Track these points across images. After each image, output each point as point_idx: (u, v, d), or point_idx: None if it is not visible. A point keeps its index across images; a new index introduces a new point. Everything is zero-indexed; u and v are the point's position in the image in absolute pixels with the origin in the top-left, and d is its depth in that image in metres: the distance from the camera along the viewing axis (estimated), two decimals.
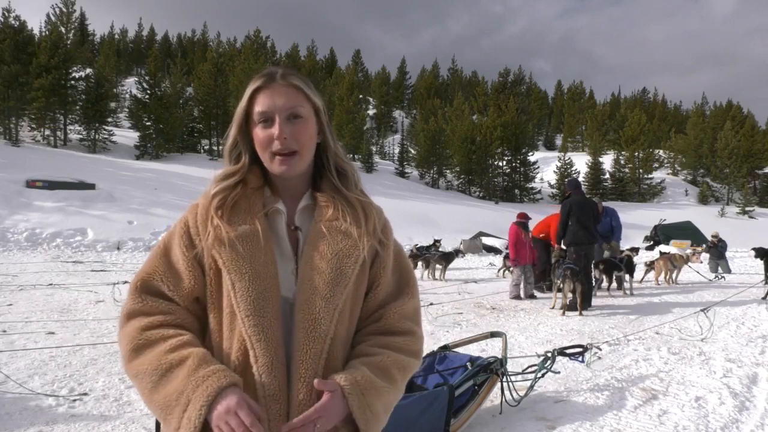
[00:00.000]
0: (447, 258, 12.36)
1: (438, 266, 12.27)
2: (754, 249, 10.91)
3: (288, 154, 1.16)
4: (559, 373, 4.52)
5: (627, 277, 10.30)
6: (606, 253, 10.30)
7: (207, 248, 1.14)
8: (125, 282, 9.07)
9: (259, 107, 1.17)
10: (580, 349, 4.39)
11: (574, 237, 8.29)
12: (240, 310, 1.09)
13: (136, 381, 1.09)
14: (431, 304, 7.30)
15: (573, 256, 8.25)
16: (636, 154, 52.64)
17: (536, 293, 9.54)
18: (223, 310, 1.13)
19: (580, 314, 7.55)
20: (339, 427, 1.10)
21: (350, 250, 1.17)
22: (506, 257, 12.40)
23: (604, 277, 9.75)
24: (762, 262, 10.46)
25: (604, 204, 10.60)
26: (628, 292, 9.98)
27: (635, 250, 11.68)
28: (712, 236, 15.80)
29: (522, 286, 9.22)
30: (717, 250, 14.92)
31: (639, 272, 11.81)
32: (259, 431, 1.00)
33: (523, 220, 9.62)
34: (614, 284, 10.24)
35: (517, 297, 9.06)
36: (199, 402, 1.01)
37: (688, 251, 14.12)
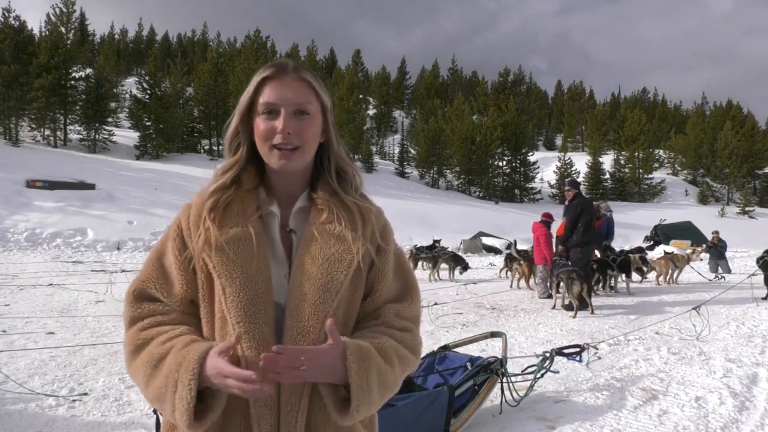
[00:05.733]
0: (456, 260, 12.32)
1: (445, 265, 12.24)
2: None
3: (289, 149, 1.13)
4: (558, 372, 4.52)
5: (623, 276, 10.34)
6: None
7: (197, 251, 1.11)
8: (123, 270, 9.04)
9: (265, 97, 1.13)
10: (577, 349, 4.40)
11: (582, 237, 8.32)
12: (231, 315, 1.07)
13: (136, 380, 1.10)
14: (435, 303, 7.30)
15: (578, 255, 8.26)
16: (636, 154, 52.59)
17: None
18: (215, 315, 1.12)
19: (575, 316, 7.58)
20: (326, 395, 1.08)
21: (342, 254, 1.13)
22: (507, 257, 12.39)
23: (599, 276, 9.78)
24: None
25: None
26: (612, 291, 10.05)
27: (641, 251, 11.66)
28: (713, 233, 15.82)
29: (543, 285, 9.24)
30: (717, 250, 14.93)
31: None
32: (248, 374, 0.97)
33: (547, 220, 9.63)
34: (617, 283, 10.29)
35: (550, 296, 9.04)
36: (186, 378, 1.00)
37: (689, 251, 14.11)
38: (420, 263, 12.75)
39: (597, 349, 5.43)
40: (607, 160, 53.33)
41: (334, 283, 1.11)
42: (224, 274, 1.08)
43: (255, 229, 1.12)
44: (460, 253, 16.86)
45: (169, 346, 1.07)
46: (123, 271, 8.97)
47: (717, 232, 15.76)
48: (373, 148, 54.07)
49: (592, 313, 7.75)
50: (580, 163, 51.15)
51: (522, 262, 10.48)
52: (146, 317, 1.14)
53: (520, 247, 12.36)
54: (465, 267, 12.27)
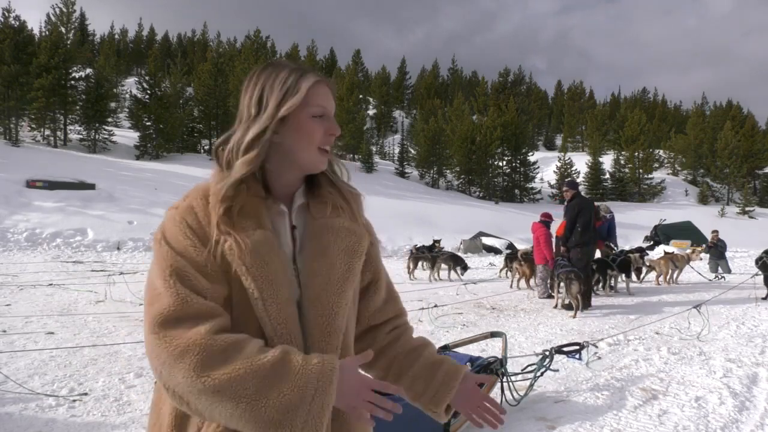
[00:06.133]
0: (456, 260, 12.33)
1: (444, 266, 12.26)
2: None
3: (327, 150, 1.20)
4: (557, 371, 4.52)
5: (623, 276, 10.34)
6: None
7: (225, 254, 1.06)
8: (121, 273, 9.03)
9: (320, 101, 1.17)
10: (577, 347, 4.40)
11: (581, 237, 8.33)
12: (271, 318, 1.05)
13: (227, 391, 0.94)
14: (435, 305, 7.30)
15: (578, 256, 8.27)
16: (636, 154, 52.56)
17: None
18: (237, 319, 1.08)
19: (574, 316, 7.58)
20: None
21: (355, 246, 1.19)
22: (507, 257, 12.40)
23: (599, 276, 9.78)
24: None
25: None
26: (612, 291, 10.06)
27: (641, 250, 11.65)
28: (713, 232, 15.84)
29: (543, 285, 9.27)
30: (717, 250, 14.92)
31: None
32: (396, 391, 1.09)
33: (547, 220, 9.65)
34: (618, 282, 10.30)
35: (549, 296, 9.04)
36: (330, 388, 0.97)
37: (688, 251, 14.11)
38: (420, 263, 12.75)
39: (597, 347, 5.43)
40: (607, 160, 53.29)
41: (352, 273, 1.17)
42: (260, 277, 1.06)
43: (272, 229, 1.14)
44: (459, 253, 16.89)
45: (281, 353, 0.98)
46: (122, 273, 8.95)
47: (716, 232, 15.77)
48: (373, 148, 54.02)
49: (582, 311, 7.74)
50: (580, 163, 51.14)
51: (523, 262, 10.48)
52: (205, 317, 1.00)
53: (520, 247, 12.37)
54: (464, 267, 12.29)
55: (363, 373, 1.04)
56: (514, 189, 49.85)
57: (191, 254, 1.06)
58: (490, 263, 16.50)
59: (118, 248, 15.99)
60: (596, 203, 10.15)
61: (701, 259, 14.41)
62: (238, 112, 1.19)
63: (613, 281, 10.27)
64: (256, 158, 1.13)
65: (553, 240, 9.41)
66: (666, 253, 13.12)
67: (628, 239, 23.99)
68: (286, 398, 0.94)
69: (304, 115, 1.15)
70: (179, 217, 1.11)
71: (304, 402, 0.95)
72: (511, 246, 19.29)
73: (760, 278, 10.04)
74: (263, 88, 1.16)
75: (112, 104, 42.25)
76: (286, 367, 0.97)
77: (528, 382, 4.08)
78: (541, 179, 50.17)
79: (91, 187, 21.49)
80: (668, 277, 11.58)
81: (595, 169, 51.32)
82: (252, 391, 0.94)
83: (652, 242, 22.85)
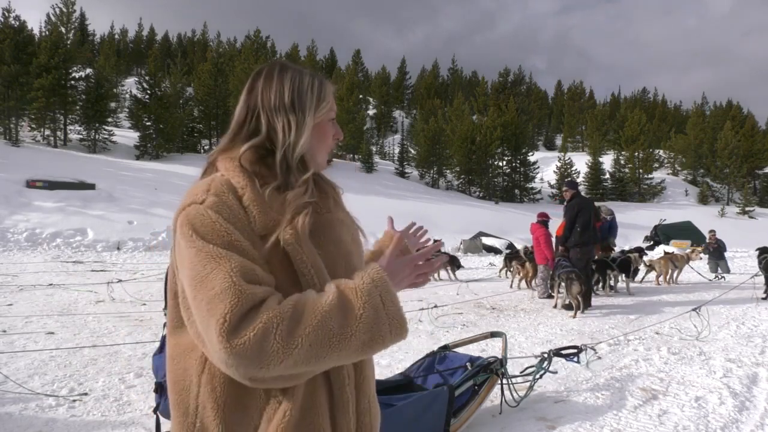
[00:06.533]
0: (452, 260, 12.40)
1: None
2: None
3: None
4: (556, 373, 4.52)
5: (623, 276, 10.34)
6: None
7: (287, 245, 1.07)
8: (119, 281, 9.03)
9: (335, 105, 1.26)
10: (575, 350, 4.40)
11: (581, 237, 8.33)
12: None
13: (318, 341, 0.97)
14: (435, 306, 7.30)
15: (578, 256, 8.27)
16: (636, 154, 52.61)
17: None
18: None
19: (575, 316, 7.58)
20: None
21: (358, 237, 1.26)
22: (507, 257, 12.42)
23: (599, 276, 9.78)
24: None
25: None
26: (612, 292, 10.06)
27: (640, 250, 11.67)
28: (710, 232, 15.84)
29: (543, 285, 9.28)
30: (718, 250, 14.93)
31: (640, 273, 11.83)
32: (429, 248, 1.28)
33: (544, 219, 9.65)
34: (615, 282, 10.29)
35: (549, 296, 9.04)
36: (389, 288, 1.06)
37: (688, 250, 14.11)
38: None
39: (595, 350, 5.43)
40: (607, 160, 53.33)
41: (362, 260, 1.25)
42: (320, 265, 1.12)
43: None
44: (459, 254, 16.89)
45: (334, 290, 1.02)
46: (120, 281, 8.93)
47: (713, 232, 15.76)
48: (373, 148, 54.07)
49: (582, 311, 7.74)
50: (580, 163, 51.16)
51: (527, 263, 10.47)
52: (267, 296, 1.00)
53: (519, 247, 12.40)
54: (458, 266, 12.43)
55: (400, 257, 1.18)
56: (514, 189, 49.87)
57: (240, 249, 1.03)
58: (490, 263, 16.50)
59: (118, 248, 15.99)
60: (597, 204, 10.15)
61: (701, 258, 14.41)
62: (251, 111, 1.18)
63: (613, 281, 10.27)
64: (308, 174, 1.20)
65: (553, 240, 9.41)
66: (666, 253, 13.12)
67: (628, 239, 23.99)
68: (364, 316, 1.00)
69: (325, 119, 1.23)
70: (213, 214, 1.05)
71: (378, 310, 1.02)
72: (511, 246, 19.30)
73: (760, 278, 10.04)
74: (293, 93, 1.16)
75: (112, 104, 42.26)
76: (346, 294, 1.02)
77: (528, 383, 4.07)
78: (541, 179, 50.19)
79: (91, 187, 21.51)
80: (668, 277, 11.58)
81: (595, 169, 51.34)
82: (337, 329, 0.98)
83: (652, 242, 22.85)
